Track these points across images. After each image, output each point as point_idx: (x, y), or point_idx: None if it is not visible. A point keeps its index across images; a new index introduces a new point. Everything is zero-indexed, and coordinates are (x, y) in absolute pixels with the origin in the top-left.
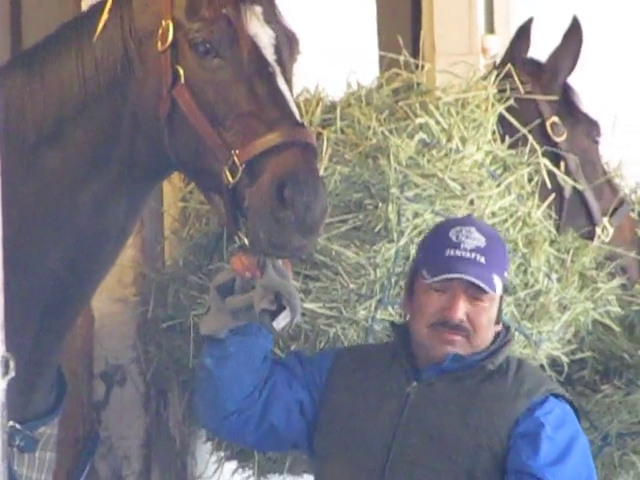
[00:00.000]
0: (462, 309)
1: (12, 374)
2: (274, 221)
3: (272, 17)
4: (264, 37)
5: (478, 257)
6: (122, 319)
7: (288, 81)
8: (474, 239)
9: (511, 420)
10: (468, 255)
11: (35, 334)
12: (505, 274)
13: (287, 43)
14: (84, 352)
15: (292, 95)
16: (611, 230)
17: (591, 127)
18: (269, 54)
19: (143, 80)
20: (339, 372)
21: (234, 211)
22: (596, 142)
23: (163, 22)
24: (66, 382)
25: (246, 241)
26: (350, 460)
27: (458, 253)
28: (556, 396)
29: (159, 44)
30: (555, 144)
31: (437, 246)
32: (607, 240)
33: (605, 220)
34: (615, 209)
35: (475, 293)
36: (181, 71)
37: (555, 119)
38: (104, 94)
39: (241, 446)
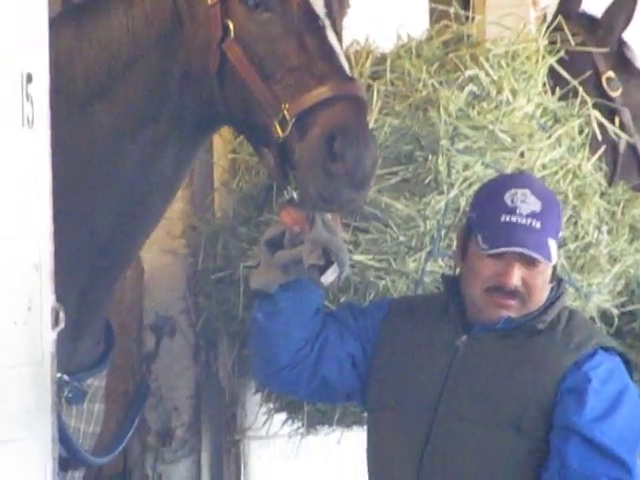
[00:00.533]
0: (518, 275)
1: (62, 325)
2: (324, 174)
3: None
4: None
5: (534, 223)
6: (172, 271)
7: (338, 34)
8: (530, 203)
9: (559, 374)
10: (524, 221)
11: (84, 286)
12: (560, 234)
13: None
14: (134, 304)
15: (342, 49)
16: None
17: None
18: (319, 7)
19: (193, 34)
20: (391, 323)
21: (284, 164)
22: None
23: None
24: (114, 335)
25: (295, 195)
26: (400, 413)
27: (514, 219)
28: (606, 349)
29: None
30: (610, 98)
31: (492, 210)
32: None
33: None
34: None
35: (531, 260)
36: (231, 25)
37: (611, 74)
38: (154, 49)
39: (292, 398)
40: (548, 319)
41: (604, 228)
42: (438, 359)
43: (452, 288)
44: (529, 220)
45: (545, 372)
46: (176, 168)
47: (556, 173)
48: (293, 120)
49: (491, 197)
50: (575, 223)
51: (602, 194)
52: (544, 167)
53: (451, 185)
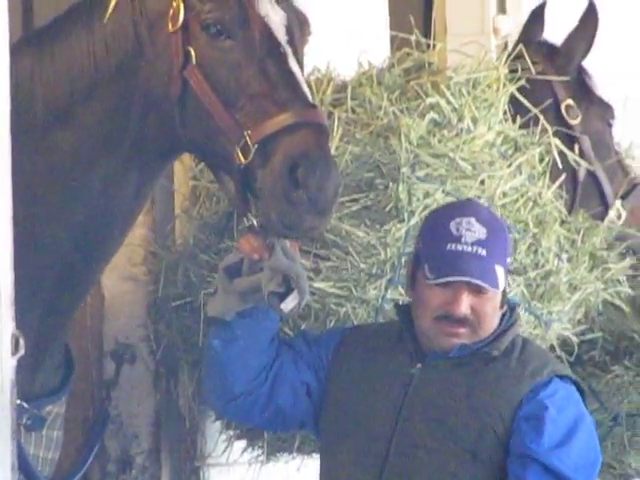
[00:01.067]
0: (466, 303)
1: (22, 352)
2: (287, 202)
3: None
4: (275, 18)
5: (480, 250)
6: (132, 298)
7: (299, 62)
8: (475, 231)
9: (515, 402)
10: (469, 249)
11: (43, 312)
12: (508, 260)
13: (298, 24)
14: (94, 331)
15: (303, 76)
16: (624, 213)
17: (605, 110)
18: (280, 35)
19: (154, 61)
20: (345, 351)
21: (245, 191)
22: (610, 125)
23: (174, 3)
24: (74, 361)
25: (255, 222)
26: (355, 441)
27: (460, 248)
28: (561, 377)
29: (170, 25)
30: (570, 126)
31: (438, 239)
32: (620, 223)
33: (618, 203)
34: (628, 192)
35: (478, 288)
36: (192, 52)
37: (570, 102)
38: (115, 75)
39: (249, 426)
40: (502, 346)
41: (564, 256)
42: (393, 387)
43: (406, 317)
44: (475, 248)
45: (501, 399)
46: (137, 195)
47: (516, 201)
48: (255, 147)
49: (437, 226)
50: (535, 251)
51: (562, 222)
52: (504, 195)
53: (412, 213)
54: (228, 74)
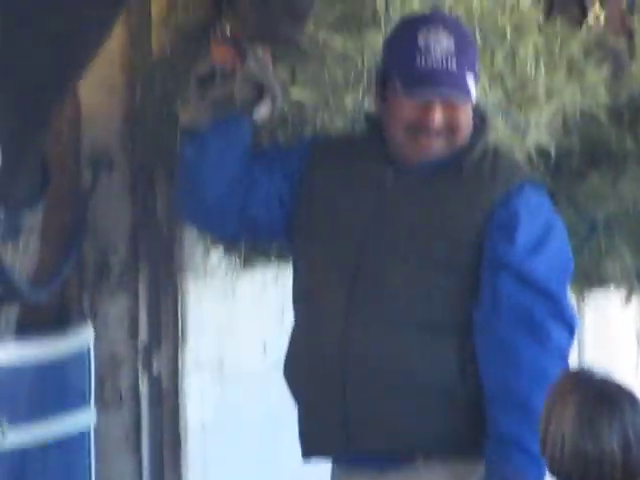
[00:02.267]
0: (439, 116)
1: None
2: (264, 6)
3: None
4: None
5: (450, 64)
6: (110, 107)
7: None
8: (442, 42)
9: (487, 210)
10: (440, 65)
11: (21, 117)
12: (477, 67)
13: None
14: (71, 139)
15: None
16: (602, 17)
17: None
18: None
19: None
20: (317, 159)
21: None
22: None
23: None
24: (49, 171)
25: (228, 30)
26: (328, 247)
27: (429, 62)
28: (533, 184)
29: None
30: None
31: (407, 54)
32: (598, 29)
33: (597, 6)
34: None
35: (451, 101)
36: None
37: None
38: None
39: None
40: (474, 155)
41: (542, 63)
42: (366, 194)
43: (375, 127)
44: (444, 62)
45: (473, 208)
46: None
47: (494, 9)
48: None
49: (404, 39)
50: (513, 59)
51: (539, 30)
52: (482, 1)
53: (389, 20)
54: None
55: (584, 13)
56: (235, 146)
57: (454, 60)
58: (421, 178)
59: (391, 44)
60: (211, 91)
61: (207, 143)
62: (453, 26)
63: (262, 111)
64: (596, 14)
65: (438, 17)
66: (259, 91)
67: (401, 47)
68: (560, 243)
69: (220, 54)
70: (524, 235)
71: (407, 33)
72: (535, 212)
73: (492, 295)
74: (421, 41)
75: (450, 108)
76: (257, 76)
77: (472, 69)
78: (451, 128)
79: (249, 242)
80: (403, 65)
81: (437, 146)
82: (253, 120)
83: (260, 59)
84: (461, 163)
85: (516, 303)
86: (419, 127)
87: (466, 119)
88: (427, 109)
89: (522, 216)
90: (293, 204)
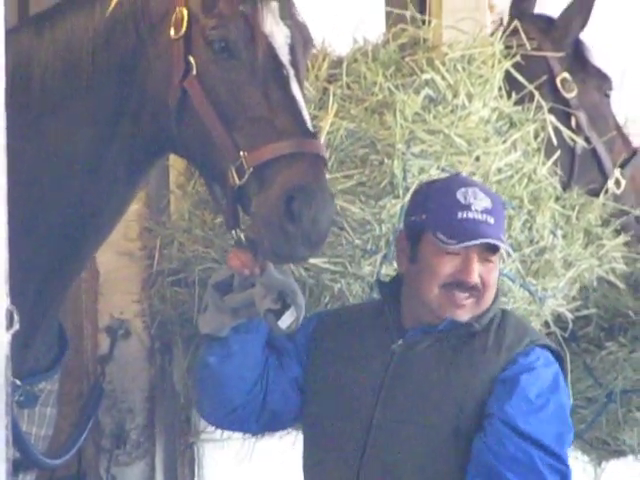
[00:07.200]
0: (477, 270)
1: (16, 327)
2: (281, 233)
3: (287, 12)
4: (279, 37)
5: (488, 218)
6: (127, 273)
7: (300, 82)
8: (481, 199)
9: (494, 374)
10: (480, 217)
11: (37, 289)
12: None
13: (302, 41)
14: (89, 306)
15: (304, 99)
16: (623, 182)
17: (602, 81)
18: (284, 55)
19: (154, 62)
20: (323, 334)
21: (236, 209)
22: (607, 96)
23: (177, 8)
24: (67, 338)
25: (243, 237)
26: (337, 419)
27: (471, 215)
28: (541, 346)
29: (172, 30)
30: (565, 100)
31: (447, 208)
32: (620, 192)
33: (617, 172)
34: (627, 160)
35: (487, 254)
36: (194, 63)
37: (565, 75)
38: (112, 68)
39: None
40: (484, 322)
41: (559, 232)
42: (374, 364)
43: (387, 293)
44: (484, 216)
45: (481, 373)
46: (127, 182)
47: (511, 177)
48: (251, 170)
49: (443, 196)
50: (530, 227)
51: (557, 198)
52: (499, 171)
53: (407, 189)
54: (229, 92)
55: (605, 179)
56: (256, 348)
57: (492, 216)
58: (430, 344)
59: (427, 203)
60: (230, 298)
61: (231, 349)
62: (485, 189)
63: (287, 321)
64: (616, 177)
65: (471, 179)
66: (281, 298)
67: (440, 204)
68: (559, 408)
69: (237, 260)
70: (524, 393)
71: (445, 191)
72: (539, 373)
73: (479, 438)
74: (460, 196)
75: (484, 264)
76: (279, 285)
77: (503, 230)
78: (484, 286)
79: (271, 432)
80: (443, 219)
81: (469, 306)
82: (277, 329)
83: (280, 266)
84: (472, 327)
85: (500, 447)
86: (458, 281)
87: (495, 279)
88: (466, 262)
89: (526, 374)
90: (306, 383)
